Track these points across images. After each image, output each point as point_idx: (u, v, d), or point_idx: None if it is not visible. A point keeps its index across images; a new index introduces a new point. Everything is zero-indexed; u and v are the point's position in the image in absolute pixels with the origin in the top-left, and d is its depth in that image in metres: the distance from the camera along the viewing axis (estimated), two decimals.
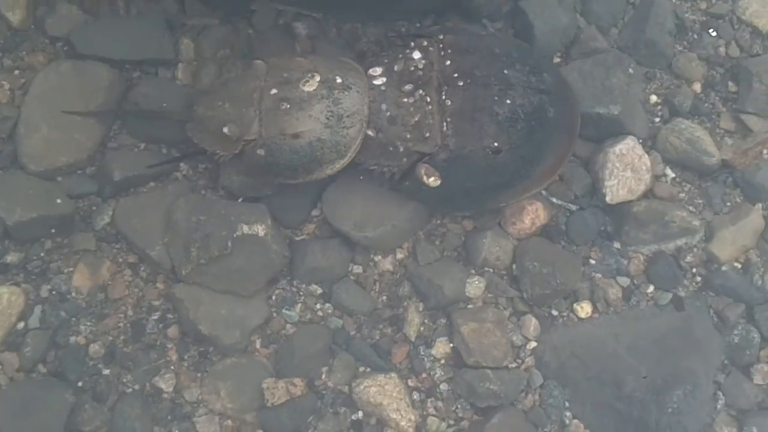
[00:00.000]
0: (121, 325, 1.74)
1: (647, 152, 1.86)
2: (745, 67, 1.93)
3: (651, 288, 1.84)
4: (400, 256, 1.82)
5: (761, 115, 1.92)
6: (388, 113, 1.68)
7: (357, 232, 1.77)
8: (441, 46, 1.73)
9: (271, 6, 1.92)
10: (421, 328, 1.79)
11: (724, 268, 1.84)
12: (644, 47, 1.93)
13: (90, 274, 1.75)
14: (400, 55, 1.73)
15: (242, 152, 1.68)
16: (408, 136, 1.67)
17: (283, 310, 1.77)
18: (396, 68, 1.71)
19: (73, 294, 1.75)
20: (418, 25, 1.93)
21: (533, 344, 1.79)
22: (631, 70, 1.89)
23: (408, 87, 1.69)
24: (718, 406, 1.77)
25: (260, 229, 1.74)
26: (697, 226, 1.84)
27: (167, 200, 1.77)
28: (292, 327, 1.77)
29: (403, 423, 1.71)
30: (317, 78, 1.66)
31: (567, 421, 1.75)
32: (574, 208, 1.84)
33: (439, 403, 1.75)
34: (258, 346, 1.76)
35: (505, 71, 1.70)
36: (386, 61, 1.73)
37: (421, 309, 1.80)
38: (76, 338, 1.72)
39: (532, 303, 1.80)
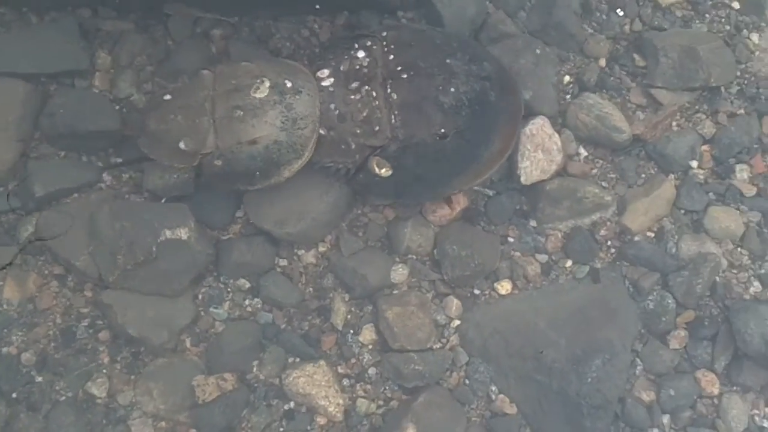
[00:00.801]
0: (51, 333, 1.78)
1: (559, 131, 1.92)
2: (650, 41, 1.98)
3: (569, 262, 1.90)
4: (322, 248, 1.87)
5: (669, 88, 1.97)
6: (337, 111, 1.72)
7: (279, 229, 1.81)
8: (384, 43, 1.77)
9: (185, 13, 1.94)
10: (348, 317, 1.84)
11: (637, 238, 1.91)
12: (553, 30, 1.98)
13: (17, 286, 1.79)
14: (346, 56, 1.77)
15: (200, 164, 1.70)
16: (358, 131, 1.71)
17: (211, 309, 1.82)
18: (342, 68, 1.75)
19: (5, 306, 1.79)
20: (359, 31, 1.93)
21: (456, 323, 1.85)
22: (538, 51, 1.94)
23: (354, 84, 1.73)
24: (637, 372, 1.84)
25: (183, 233, 1.78)
26: (609, 200, 1.90)
27: (90, 209, 1.80)
28: (221, 324, 1.82)
29: (331, 408, 1.77)
30: (267, 84, 1.68)
31: (493, 396, 1.82)
32: (491, 193, 1.89)
33: (368, 386, 1.81)
34: (188, 344, 1.80)
35: (448, 61, 1.75)
36: (333, 63, 1.77)
37: (347, 299, 1.85)
38: (8, 349, 1.76)
39: (454, 284, 1.86)
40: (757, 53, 2.02)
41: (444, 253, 1.85)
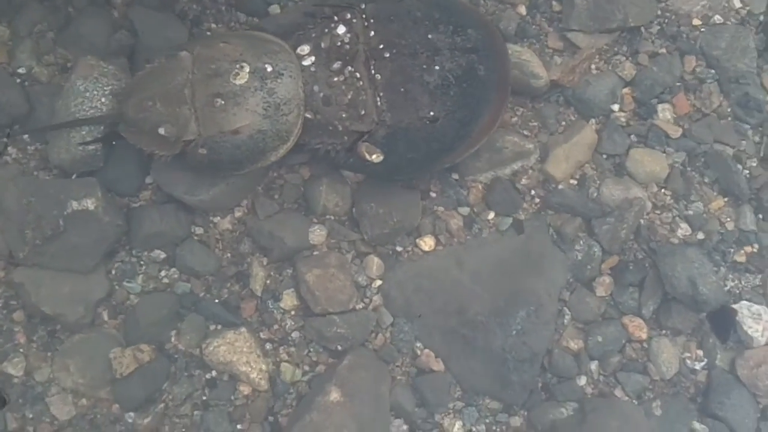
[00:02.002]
0: None
1: None
2: None
3: (491, 214, 1.86)
4: (238, 213, 1.83)
5: (586, 31, 1.93)
6: (322, 94, 1.66)
7: (190, 195, 1.76)
8: (364, 16, 1.70)
9: None
10: (268, 281, 1.80)
11: (560, 186, 1.87)
12: None
13: None
14: (326, 30, 1.69)
15: (183, 152, 1.65)
16: (344, 115, 1.66)
17: (124, 283, 1.77)
18: (323, 45, 1.68)
19: None
20: None
21: (378, 283, 1.81)
22: None
23: (337, 65, 1.67)
24: (565, 322, 1.82)
25: (90, 203, 1.73)
26: (530, 148, 1.87)
27: None
28: (135, 297, 1.77)
29: (253, 375, 1.74)
30: (246, 69, 1.62)
31: (419, 353, 1.79)
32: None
33: (292, 350, 1.78)
34: (106, 318, 1.77)
35: (429, 36, 1.68)
36: (313, 35, 1.70)
37: (265, 263, 1.81)
38: None
39: (374, 243, 1.82)
40: None
41: (362, 212, 1.81)
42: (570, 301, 1.82)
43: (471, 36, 1.70)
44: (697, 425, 1.76)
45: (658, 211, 1.87)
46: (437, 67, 1.66)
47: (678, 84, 1.94)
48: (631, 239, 1.85)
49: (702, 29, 1.96)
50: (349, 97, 1.65)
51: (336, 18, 1.70)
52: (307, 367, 1.77)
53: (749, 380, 1.77)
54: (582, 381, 1.79)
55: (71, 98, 1.75)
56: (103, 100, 1.75)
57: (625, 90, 1.94)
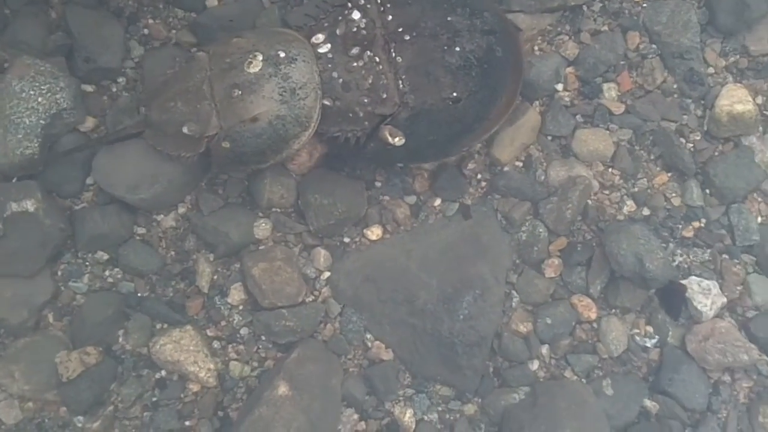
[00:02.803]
0: None
1: None
2: None
3: (438, 201, 1.85)
4: (182, 210, 1.81)
5: (527, 11, 1.91)
6: (341, 80, 1.65)
7: (132, 195, 1.74)
8: (379, 1, 1.69)
9: None
10: (215, 277, 1.79)
11: (506, 168, 1.86)
12: None
13: None
14: (340, 17, 1.69)
15: (208, 149, 1.65)
16: (366, 100, 1.65)
17: (70, 283, 1.76)
18: (338, 32, 1.67)
19: None
20: None
21: (327, 275, 1.80)
22: None
23: (355, 50, 1.66)
24: (514, 304, 1.81)
25: (29, 205, 1.71)
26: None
27: None
28: (81, 297, 1.76)
29: (202, 374, 1.73)
30: (259, 57, 1.62)
31: (369, 344, 1.78)
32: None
33: (241, 347, 1.77)
34: (51, 320, 1.75)
35: (449, 18, 1.68)
36: (326, 25, 1.69)
37: (211, 259, 1.80)
38: None
39: (321, 235, 1.81)
40: None
41: (307, 203, 1.79)
42: (518, 284, 1.81)
43: (488, 19, 1.71)
44: (648, 402, 1.76)
45: (606, 191, 1.87)
46: (458, 49, 1.66)
47: (622, 62, 1.92)
48: (579, 220, 1.84)
49: (644, 5, 1.94)
50: (370, 81, 1.65)
51: (350, 4, 1.69)
52: (256, 363, 1.77)
53: (698, 354, 1.76)
54: (534, 365, 1.78)
55: (6, 100, 1.73)
56: (40, 100, 1.74)
57: (569, 70, 1.92)
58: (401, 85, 1.65)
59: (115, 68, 1.83)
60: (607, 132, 1.89)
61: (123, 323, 1.76)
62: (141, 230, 1.80)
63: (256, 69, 1.62)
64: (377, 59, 1.65)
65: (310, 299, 1.79)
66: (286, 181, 1.81)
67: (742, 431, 1.76)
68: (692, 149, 1.87)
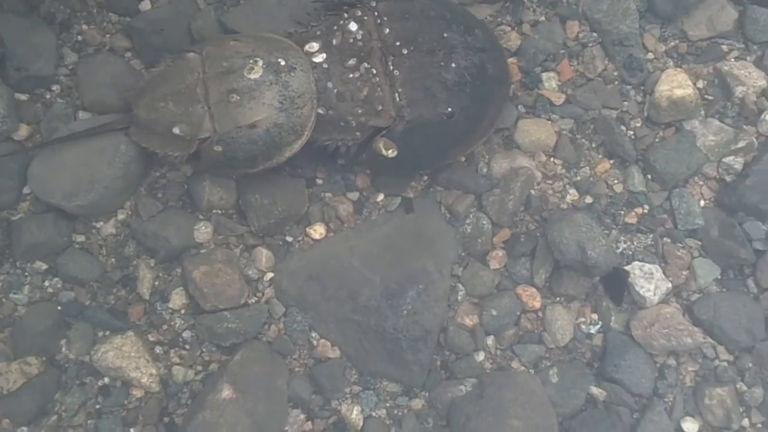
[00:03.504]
0: None
1: None
2: None
3: (380, 196, 1.84)
4: (122, 216, 1.80)
5: (467, 3, 1.89)
6: (336, 90, 1.66)
7: (68, 202, 1.73)
8: (376, 14, 1.70)
9: None
10: (156, 283, 1.78)
11: (448, 161, 1.85)
12: None
13: None
14: (335, 27, 1.69)
15: (198, 151, 1.64)
16: (360, 111, 1.65)
17: (11, 294, 1.74)
18: (335, 42, 1.67)
19: None
20: None
21: (270, 275, 1.79)
22: None
23: (352, 62, 1.66)
24: (459, 298, 1.81)
25: None
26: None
27: None
28: (23, 308, 1.74)
29: (145, 380, 1.72)
30: (260, 63, 1.61)
31: (314, 343, 1.77)
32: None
33: (184, 351, 1.76)
34: None
35: (445, 35, 1.70)
36: (319, 33, 1.69)
37: (152, 264, 1.78)
38: None
39: (263, 235, 1.80)
40: None
41: (248, 204, 1.78)
42: (463, 277, 1.81)
43: (479, 36, 1.74)
44: (594, 389, 1.75)
45: (549, 181, 1.86)
46: (454, 65, 1.69)
47: (561, 51, 1.92)
48: (522, 210, 1.84)
49: None
50: (365, 93, 1.66)
51: (346, 15, 1.69)
52: (200, 367, 1.75)
53: (644, 340, 1.76)
54: (480, 357, 1.78)
55: None
56: None
57: (511, 60, 1.91)
58: (398, 98, 1.66)
59: (48, 76, 1.81)
60: (549, 122, 1.88)
61: (65, 333, 1.74)
62: (80, 238, 1.78)
63: (257, 75, 1.61)
64: (374, 71, 1.66)
65: (253, 301, 1.78)
66: (225, 182, 1.80)
67: (688, 414, 1.76)
68: (633, 136, 1.87)
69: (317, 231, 1.82)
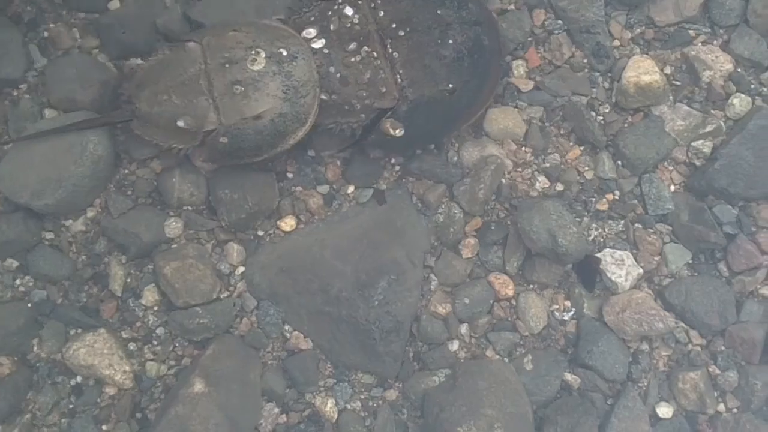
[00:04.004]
0: None
1: None
2: None
3: (351, 188, 1.84)
4: (91, 214, 1.79)
5: None
6: (338, 75, 1.67)
7: (37, 201, 1.72)
8: None
9: None
10: (128, 280, 1.77)
11: (418, 151, 1.85)
12: None
13: None
14: (330, 13, 1.70)
15: (203, 143, 1.64)
16: (364, 93, 1.67)
17: None
18: (332, 27, 1.69)
19: None
20: None
21: (241, 269, 1.79)
22: None
23: (352, 46, 1.68)
24: (432, 287, 1.80)
25: None
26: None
27: None
28: None
29: (118, 377, 1.71)
30: (263, 54, 1.62)
31: (287, 335, 1.77)
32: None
33: (157, 347, 1.76)
34: None
35: (439, 12, 1.72)
36: (313, 19, 1.71)
37: (124, 261, 1.78)
38: None
39: (234, 230, 1.79)
40: None
41: (218, 199, 1.78)
42: (436, 266, 1.81)
43: (473, 9, 1.76)
44: (568, 376, 1.76)
45: (519, 169, 1.86)
46: (451, 41, 1.71)
47: (529, 39, 1.92)
48: (493, 199, 1.84)
49: None
50: (368, 75, 1.68)
51: (339, 0, 1.71)
52: (173, 362, 1.75)
53: (616, 326, 1.76)
54: (454, 346, 1.78)
55: None
56: None
57: None
58: (399, 79, 1.68)
59: (16, 77, 1.80)
60: (517, 110, 1.88)
61: (37, 332, 1.74)
62: (49, 235, 1.77)
63: (260, 66, 1.61)
64: (375, 54, 1.68)
65: (225, 295, 1.78)
66: (195, 178, 1.79)
67: (662, 398, 1.76)
68: (602, 122, 1.88)
69: (288, 224, 1.82)
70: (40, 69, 1.83)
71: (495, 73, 1.81)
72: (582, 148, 1.87)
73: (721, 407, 1.77)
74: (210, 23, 1.81)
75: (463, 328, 1.79)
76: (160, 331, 1.76)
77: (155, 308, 1.77)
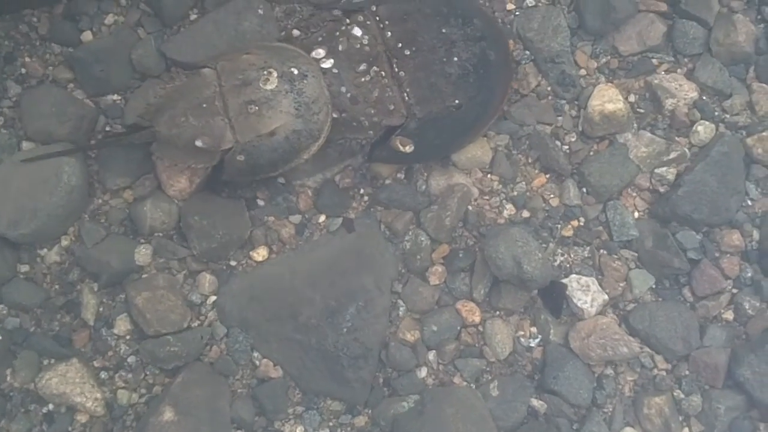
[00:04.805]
0: None
1: None
2: None
3: (322, 217, 1.87)
4: (66, 243, 1.82)
5: None
6: (349, 94, 1.73)
7: (12, 231, 1.76)
8: (377, 18, 1.77)
9: None
10: (101, 309, 1.80)
11: (387, 181, 1.89)
12: None
13: None
14: (338, 33, 1.75)
15: (221, 161, 1.69)
16: (372, 111, 1.73)
17: None
18: (341, 48, 1.74)
19: None
20: None
21: (213, 298, 1.82)
22: (260, 11, 1.90)
23: (362, 66, 1.73)
24: (400, 314, 1.83)
25: None
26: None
27: None
28: None
29: (89, 404, 1.74)
30: (274, 74, 1.67)
31: (257, 363, 1.79)
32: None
33: (128, 375, 1.78)
34: None
35: (444, 30, 1.78)
36: (321, 39, 1.76)
37: (96, 290, 1.81)
38: None
39: (206, 259, 1.82)
40: None
41: (188, 226, 1.81)
42: (404, 293, 1.83)
43: (478, 25, 1.81)
44: (535, 402, 1.78)
45: (486, 197, 1.89)
46: (455, 59, 1.77)
47: None
48: (461, 226, 1.87)
49: (516, 13, 1.98)
50: (376, 94, 1.73)
51: (348, 21, 1.76)
52: (144, 390, 1.77)
53: (582, 351, 1.79)
54: (422, 372, 1.80)
55: None
56: None
57: None
58: (407, 98, 1.73)
59: None
60: (485, 138, 1.92)
61: (11, 361, 1.76)
62: (24, 268, 1.80)
63: (273, 86, 1.67)
64: (383, 73, 1.74)
65: (196, 324, 1.80)
66: (166, 206, 1.83)
67: (628, 423, 1.78)
68: (568, 150, 1.91)
69: (260, 254, 1.85)
70: (14, 99, 1.87)
71: (503, 85, 1.85)
72: (547, 175, 1.90)
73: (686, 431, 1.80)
74: (184, 60, 1.85)
75: (431, 355, 1.81)
76: (131, 359, 1.78)
77: (127, 337, 1.79)
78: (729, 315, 1.84)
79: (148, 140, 1.73)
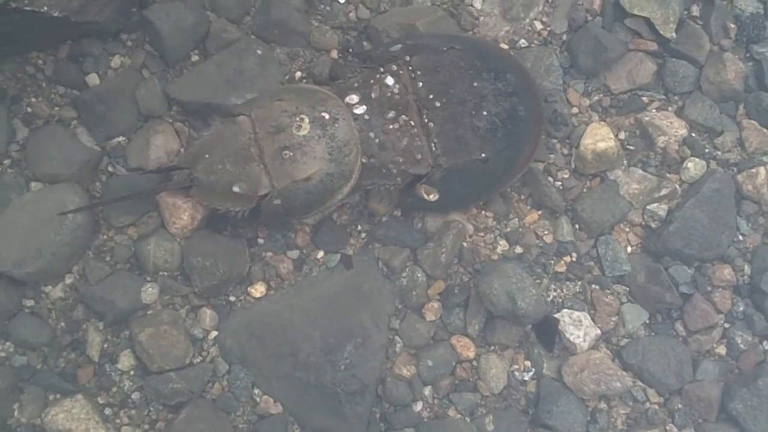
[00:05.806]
0: None
1: None
2: (372, 26, 2.00)
3: (320, 253, 1.92)
4: (70, 280, 1.87)
5: None
6: (377, 140, 1.77)
7: (18, 269, 1.80)
8: (410, 68, 1.81)
9: None
10: (105, 346, 1.85)
11: (384, 218, 1.93)
12: (275, 27, 1.99)
13: None
14: (372, 81, 1.80)
15: (258, 205, 1.74)
16: (400, 159, 1.77)
17: None
18: (373, 95, 1.79)
19: None
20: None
21: (214, 334, 1.86)
22: (260, 52, 1.95)
23: (391, 114, 1.78)
24: (397, 349, 1.87)
25: None
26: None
27: None
28: None
29: None
30: (306, 120, 1.73)
31: (258, 399, 1.83)
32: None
33: (132, 412, 1.82)
34: None
35: (475, 84, 1.81)
36: (356, 85, 1.81)
37: (101, 327, 1.85)
38: None
39: (207, 295, 1.87)
40: (481, 18, 2.05)
41: (191, 266, 1.85)
42: (401, 329, 1.88)
43: (510, 80, 1.84)
44: None
45: (480, 233, 1.93)
46: (485, 113, 1.80)
47: None
48: (456, 263, 1.91)
49: (510, 53, 2.03)
50: (404, 143, 1.78)
51: (382, 70, 1.81)
52: (147, 426, 1.81)
53: (575, 386, 1.82)
54: (418, 407, 1.84)
55: None
56: None
57: None
58: (434, 148, 1.77)
59: (0, 152, 1.90)
60: None
61: (18, 397, 1.81)
62: (29, 302, 1.85)
63: (305, 132, 1.72)
64: (412, 123, 1.78)
65: (198, 360, 1.85)
66: (169, 245, 1.87)
67: None
68: (561, 187, 1.95)
69: (258, 290, 1.89)
70: (21, 142, 1.92)
71: (532, 141, 1.87)
72: (540, 212, 1.94)
73: None
74: (187, 100, 1.91)
75: (427, 390, 1.85)
76: (135, 395, 1.83)
77: (131, 373, 1.84)
78: (721, 349, 1.88)
79: (189, 185, 1.79)
